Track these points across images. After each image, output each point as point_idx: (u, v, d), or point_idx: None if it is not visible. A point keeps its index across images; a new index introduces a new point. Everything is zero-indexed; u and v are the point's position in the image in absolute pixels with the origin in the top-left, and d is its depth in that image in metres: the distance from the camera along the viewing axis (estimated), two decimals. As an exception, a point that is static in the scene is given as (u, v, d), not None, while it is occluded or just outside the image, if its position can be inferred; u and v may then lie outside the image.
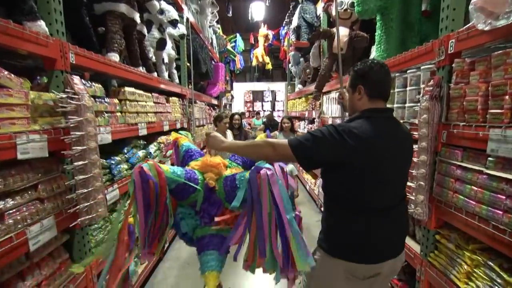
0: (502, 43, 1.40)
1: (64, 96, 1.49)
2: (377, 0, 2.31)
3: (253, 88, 12.98)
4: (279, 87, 12.46)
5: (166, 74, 3.48)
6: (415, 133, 1.72)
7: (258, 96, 13.11)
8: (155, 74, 3.11)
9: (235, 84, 12.21)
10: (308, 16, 5.22)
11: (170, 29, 3.40)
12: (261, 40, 10.82)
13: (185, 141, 1.69)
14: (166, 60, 3.47)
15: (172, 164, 1.59)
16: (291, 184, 1.35)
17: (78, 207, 1.59)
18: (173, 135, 1.75)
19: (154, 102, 2.93)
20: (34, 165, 1.43)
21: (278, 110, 12.43)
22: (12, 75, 1.29)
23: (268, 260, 1.24)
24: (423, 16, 2.26)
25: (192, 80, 4.41)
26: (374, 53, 2.68)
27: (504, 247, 1.25)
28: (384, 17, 2.38)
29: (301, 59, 6.62)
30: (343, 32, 3.24)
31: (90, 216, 1.63)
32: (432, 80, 1.63)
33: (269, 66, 11.60)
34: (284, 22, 7.08)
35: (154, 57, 3.25)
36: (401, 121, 2.00)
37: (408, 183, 1.75)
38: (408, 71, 1.99)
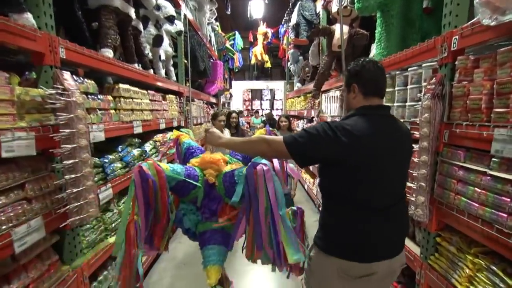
0: (506, 40, 1.36)
1: (53, 92, 1.44)
2: (377, -4, 2.27)
3: (252, 86, 12.94)
4: (278, 85, 12.42)
5: (163, 71, 3.42)
6: (416, 132, 1.67)
7: (257, 94, 13.07)
8: (151, 71, 3.05)
9: (233, 83, 12.17)
10: (307, 14, 5.17)
11: (167, 26, 3.34)
12: (260, 38, 10.78)
13: (186, 138, 1.74)
14: (163, 57, 3.42)
15: (171, 162, 1.63)
16: (292, 174, 1.44)
17: (68, 207, 1.54)
18: (175, 133, 1.79)
19: (150, 100, 2.87)
20: (21, 164, 1.38)
21: (277, 109, 12.38)
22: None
23: (265, 253, 1.32)
24: (424, 13, 2.22)
25: (190, 78, 4.36)
26: (374, 50, 2.64)
27: (508, 251, 1.20)
28: (385, 13, 2.33)
29: (300, 58, 6.57)
30: (343, 29, 3.19)
31: (81, 217, 1.58)
32: (434, 78, 1.58)
33: (268, 65, 11.56)
34: (283, 20, 7.01)
35: (150, 54, 3.20)
36: (402, 120, 1.97)
37: (409, 184, 1.71)
38: (409, 69, 1.94)
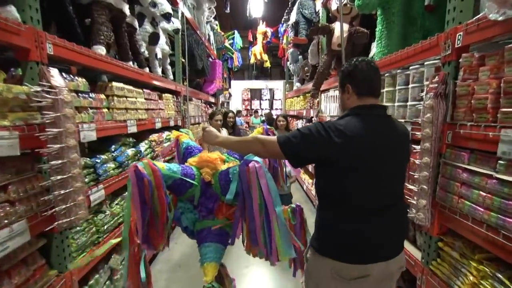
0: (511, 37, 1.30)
1: (38, 89, 1.37)
2: (378, -7, 2.21)
3: (251, 86, 12.88)
4: (277, 85, 12.36)
5: (159, 70, 3.36)
6: (417, 133, 1.61)
7: (256, 94, 13.01)
8: (147, 69, 2.98)
9: (233, 82, 12.13)
10: (306, 12, 5.10)
11: (163, 23, 3.27)
12: (259, 37, 10.74)
13: (185, 138, 1.76)
14: (159, 55, 3.35)
15: (168, 161, 1.63)
16: (291, 171, 1.40)
17: (55, 209, 1.47)
18: (174, 133, 1.82)
19: (146, 99, 2.81)
20: (5, 164, 1.31)
21: (276, 109, 12.33)
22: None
23: (259, 249, 1.35)
24: (426, 11, 2.15)
25: (187, 77, 4.29)
26: (374, 49, 2.58)
27: (515, 258, 1.15)
28: (385, 11, 2.27)
29: (300, 57, 6.50)
30: (343, 27, 3.13)
31: (69, 219, 1.52)
32: (436, 77, 1.52)
33: (268, 64, 11.52)
34: (283, 19, 6.95)
35: (146, 52, 3.13)
36: (403, 120, 1.91)
37: (410, 187, 1.65)
38: (411, 68, 1.88)
